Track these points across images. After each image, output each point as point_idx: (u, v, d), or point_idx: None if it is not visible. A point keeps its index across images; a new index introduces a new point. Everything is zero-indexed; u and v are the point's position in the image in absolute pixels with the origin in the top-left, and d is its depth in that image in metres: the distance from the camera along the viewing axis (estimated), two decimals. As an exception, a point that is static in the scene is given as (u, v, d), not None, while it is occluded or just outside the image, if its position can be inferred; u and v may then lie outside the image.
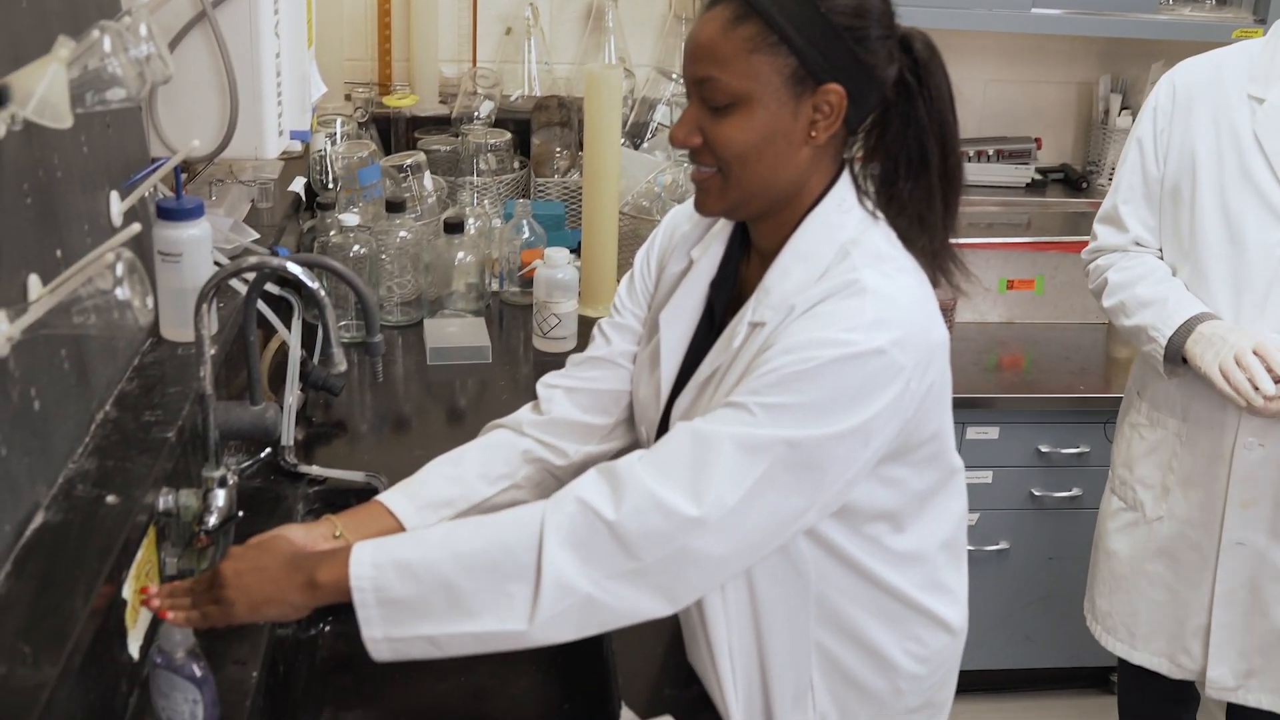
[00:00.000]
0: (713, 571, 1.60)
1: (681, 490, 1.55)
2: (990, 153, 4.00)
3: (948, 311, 3.56)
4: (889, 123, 1.68)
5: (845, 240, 1.67)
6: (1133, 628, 2.88)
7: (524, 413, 2.02)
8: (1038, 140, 4.05)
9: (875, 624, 1.83)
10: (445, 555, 1.58)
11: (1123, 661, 2.98)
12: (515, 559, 1.56)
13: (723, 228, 1.86)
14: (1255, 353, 2.49)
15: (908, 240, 1.71)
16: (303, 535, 1.77)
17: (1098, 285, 2.80)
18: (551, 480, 1.97)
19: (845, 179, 1.71)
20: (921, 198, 1.70)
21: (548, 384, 2.02)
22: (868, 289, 1.59)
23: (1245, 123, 2.57)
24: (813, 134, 1.63)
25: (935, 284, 1.74)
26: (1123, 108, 3.97)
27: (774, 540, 1.61)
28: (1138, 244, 2.74)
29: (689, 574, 1.58)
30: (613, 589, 1.56)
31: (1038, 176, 4.05)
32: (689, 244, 1.91)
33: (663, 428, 1.84)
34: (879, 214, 1.71)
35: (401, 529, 1.83)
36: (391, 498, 1.88)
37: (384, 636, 1.59)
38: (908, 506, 1.77)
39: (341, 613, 2.33)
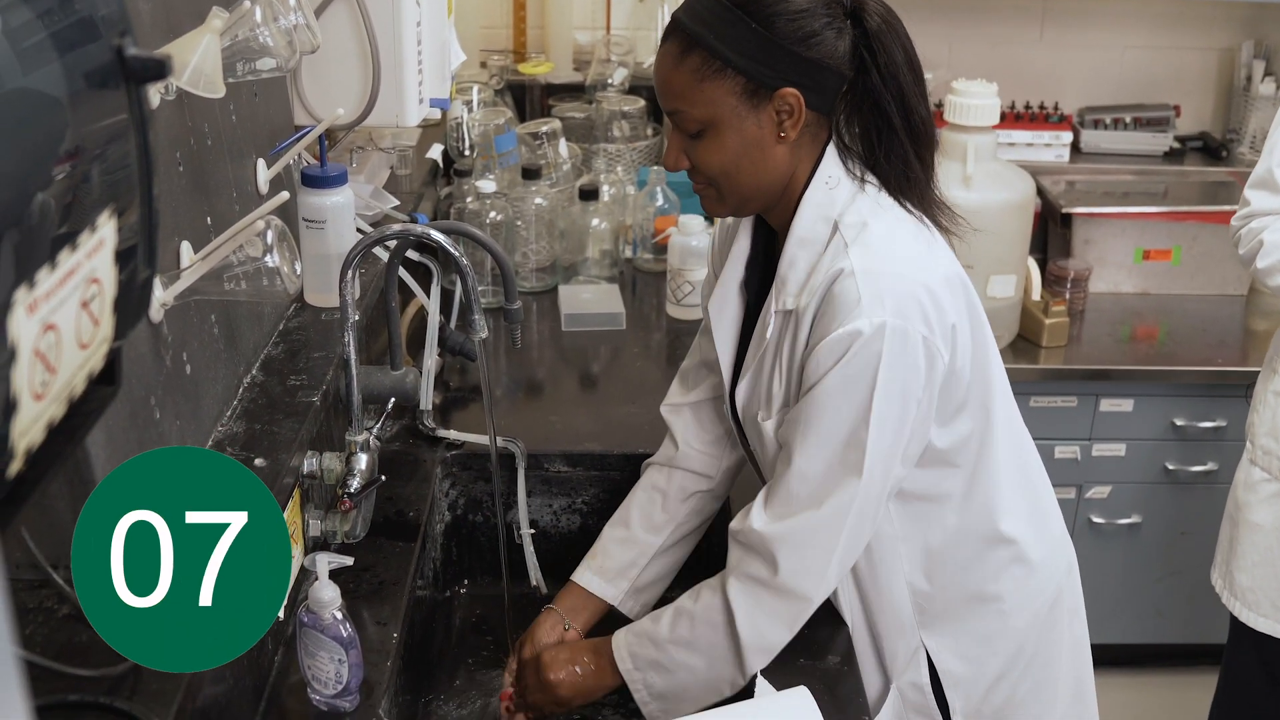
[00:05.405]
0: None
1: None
2: (1127, 120, 3.92)
3: (1081, 281, 3.51)
4: (852, 94, 1.73)
5: (835, 216, 1.74)
6: (1278, 600, 2.83)
7: (667, 446, 2.12)
8: (1176, 108, 3.96)
9: (961, 559, 1.91)
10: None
11: (1241, 642, 2.92)
12: (728, 676, 1.82)
13: (746, 219, 1.92)
14: None
15: (900, 194, 1.77)
16: (545, 635, 2.03)
17: (1250, 248, 2.72)
18: (710, 500, 2.14)
19: (829, 154, 1.77)
20: (898, 158, 1.75)
21: (671, 405, 2.14)
22: (853, 270, 1.67)
23: None
24: (782, 134, 1.71)
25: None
26: (1266, 74, 3.87)
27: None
28: None
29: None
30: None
31: (1176, 145, 3.96)
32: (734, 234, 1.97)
33: (734, 417, 1.95)
34: (867, 177, 1.77)
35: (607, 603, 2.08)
36: (586, 578, 2.08)
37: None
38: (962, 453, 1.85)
39: (476, 575, 2.37)
